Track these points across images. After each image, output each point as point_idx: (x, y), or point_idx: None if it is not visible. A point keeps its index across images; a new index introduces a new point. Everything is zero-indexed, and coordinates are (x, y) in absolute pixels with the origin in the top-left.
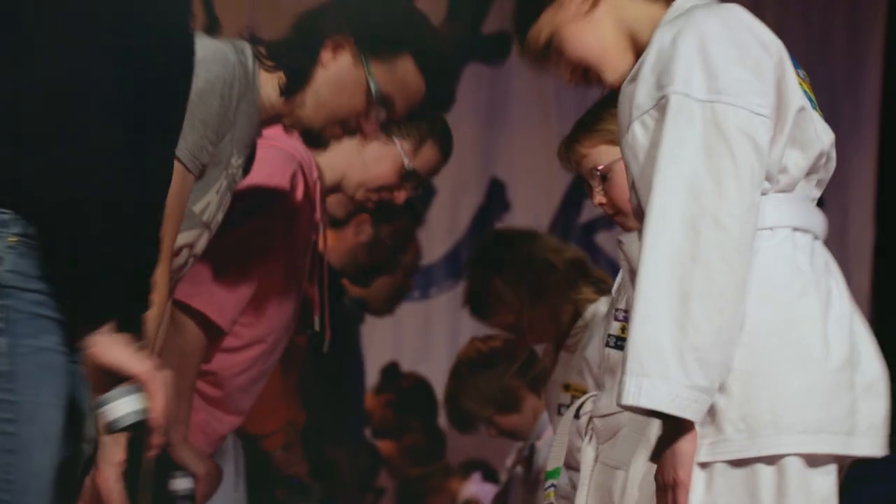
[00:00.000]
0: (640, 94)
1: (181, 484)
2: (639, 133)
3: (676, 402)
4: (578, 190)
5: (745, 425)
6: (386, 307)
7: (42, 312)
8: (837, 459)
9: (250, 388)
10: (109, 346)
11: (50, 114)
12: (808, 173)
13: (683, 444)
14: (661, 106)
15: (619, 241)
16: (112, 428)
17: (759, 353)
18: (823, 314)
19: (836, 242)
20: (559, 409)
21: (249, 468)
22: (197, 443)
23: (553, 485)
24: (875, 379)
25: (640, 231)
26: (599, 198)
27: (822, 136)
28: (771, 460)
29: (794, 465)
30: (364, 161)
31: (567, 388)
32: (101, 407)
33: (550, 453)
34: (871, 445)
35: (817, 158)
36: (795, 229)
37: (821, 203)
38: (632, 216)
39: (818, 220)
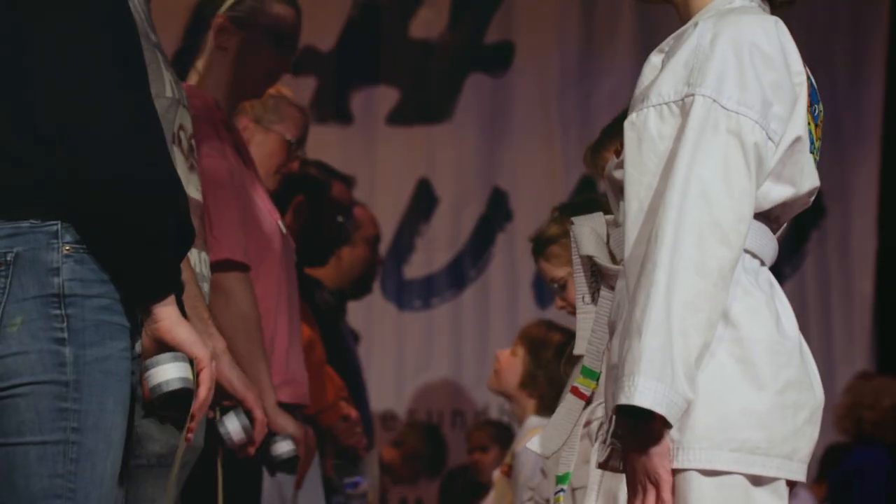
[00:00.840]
0: (666, 83)
1: (283, 447)
2: (652, 121)
3: (673, 410)
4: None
5: (681, 437)
6: (362, 286)
7: (106, 318)
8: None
9: (292, 313)
10: (176, 324)
11: (65, 106)
12: (774, 206)
13: (660, 449)
14: (685, 103)
15: (570, 223)
16: (156, 391)
17: (705, 369)
18: (773, 334)
19: (838, 250)
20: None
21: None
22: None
23: (562, 490)
24: (819, 405)
25: (613, 200)
26: None
27: (804, 180)
28: (710, 474)
29: (738, 483)
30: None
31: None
32: (150, 369)
33: (561, 458)
34: (804, 472)
35: (790, 198)
36: (747, 251)
37: (823, 210)
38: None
39: (770, 248)
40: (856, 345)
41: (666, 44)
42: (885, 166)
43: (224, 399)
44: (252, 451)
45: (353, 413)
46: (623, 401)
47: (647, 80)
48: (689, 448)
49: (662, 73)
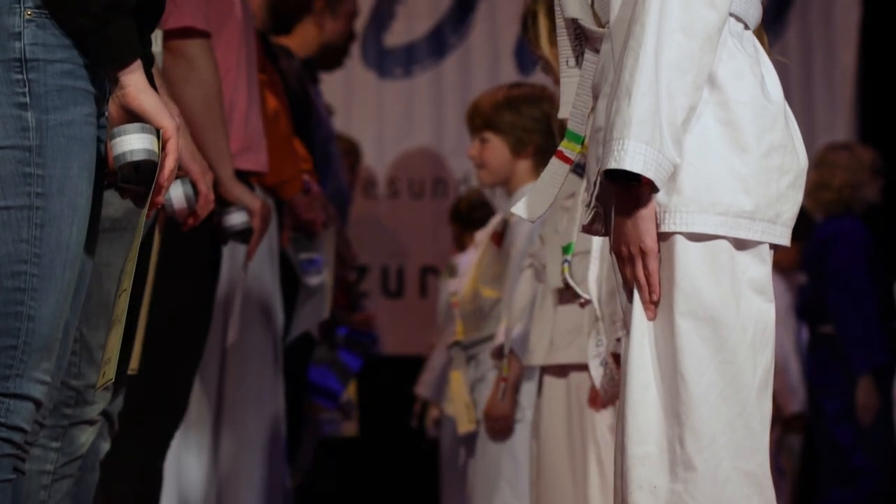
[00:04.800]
0: None
1: (237, 219)
2: None
3: (660, 175)
4: None
5: (668, 200)
6: (335, 59)
7: (70, 83)
8: (773, 246)
9: (251, 79)
10: (143, 91)
11: None
12: None
13: (646, 213)
14: None
15: None
16: (120, 160)
17: (690, 132)
18: (758, 97)
19: (821, 20)
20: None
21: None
22: None
23: (567, 260)
24: (804, 170)
25: None
26: None
27: None
28: (696, 237)
29: (722, 247)
30: None
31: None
32: (115, 138)
33: (562, 229)
34: (787, 237)
35: None
36: (731, 14)
37: None
38: None
39: (755, 12)
40: (837, 115)
41: None
42: None
43: None
44: (193, 222)
45: (315, 188)
46: (612, 165)
47: None
48: (675, 211)
49: None
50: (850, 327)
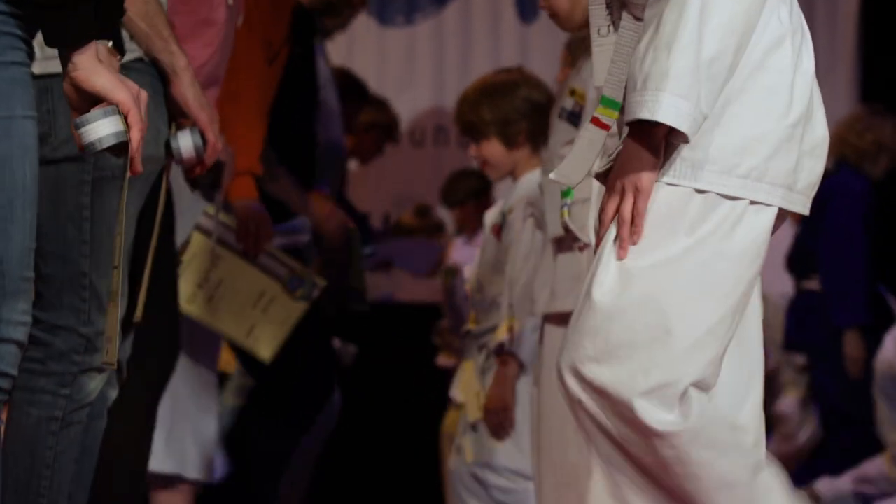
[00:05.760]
0: None
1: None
2: None
3: (693, 127)
4: None
5: (692, 156)
6: (335, 22)
7: (4, 30)
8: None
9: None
10: (93, 73)
11: None
12: None
13: (653, 157)
14: None
15: None
16: (90, 149)
17: (725, 93)
18: (793, 67)
19: None
20: (560, 113)
21: None
22: None
23: (566, 204)
24: (822, 140)
25: None
26: None
27: None
28: (715, 196)
29: (737, 208)
30: None
31: (572, 93)
32: (81, 127)
33: (565, 166)
34: (805, 205)
35: None
36: None
37: None
38: None
39: None
40: (838, 65)
41: None
42: None
43: (181, 116)
44: (200, 170)
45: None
46: (646, 115)
47: None
48: (699, 168)
49: None
50: (836, 282)
